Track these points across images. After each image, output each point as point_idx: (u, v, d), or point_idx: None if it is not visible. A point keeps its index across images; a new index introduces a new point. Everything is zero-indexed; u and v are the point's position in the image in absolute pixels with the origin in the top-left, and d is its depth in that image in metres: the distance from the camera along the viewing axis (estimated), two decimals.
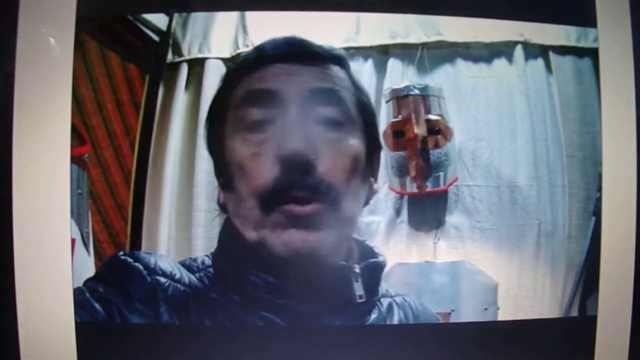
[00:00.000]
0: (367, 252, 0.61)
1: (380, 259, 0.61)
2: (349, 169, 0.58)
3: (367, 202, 0.62)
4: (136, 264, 0.58)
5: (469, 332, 0.65)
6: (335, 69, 0.60)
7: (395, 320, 0.62)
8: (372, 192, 0.62)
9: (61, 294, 0.58)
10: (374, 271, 0.61)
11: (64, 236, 0.59)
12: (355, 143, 0.59)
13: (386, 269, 0.64)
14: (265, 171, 0.57)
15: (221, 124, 0.60)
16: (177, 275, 0.58)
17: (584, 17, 0.66)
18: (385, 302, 0.62)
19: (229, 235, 0.60)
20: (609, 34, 0.65)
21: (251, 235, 0.58)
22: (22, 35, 0.58)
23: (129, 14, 0.65)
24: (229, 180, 0.59)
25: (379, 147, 0.64)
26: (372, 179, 0.62)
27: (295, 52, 0.60)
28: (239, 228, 0.59)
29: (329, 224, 0.58)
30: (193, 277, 0.59)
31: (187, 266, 0.60)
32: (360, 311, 0.60)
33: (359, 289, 0.59)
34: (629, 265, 0.63)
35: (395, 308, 0.62)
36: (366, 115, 0.61)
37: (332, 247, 0.58)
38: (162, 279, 0.57)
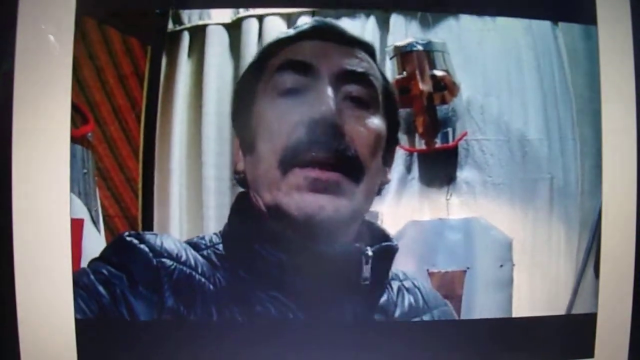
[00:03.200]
0: (380, 235, 0.61)
1: (393, 242, 0.61)
2: (373, 145, 0.59)
3: (379, 191, 0.62)
4: (142, 245, 0.57)
5: (469, 329, 0.65)
6: (366, 56, 0.61)
7: (405, 304, 0.61)
8: (385, 181, 0.62)
9: (61, 289, 0.58)
10: (386, 255, 0.60)
11: (64, 231, 0.59)
12: (379, 124, 0.60)
13: (399, 228, 0.64)
14: (290, 131, 0.57)
15: (251, 91, 0.60)
16: (183, 258, 0.57)
17: (584, 13, 0.65)
18: (395, 285, 0.62)
19: (241, 208, 0.60)
20: (609, 31, 0.64)
21: (266, 198, 0.57)
22: (21, 31, 0.58)
23: (127, 11, 0.65)
24: (251, 143, 0.59)
25: (397, 141, 0.64)
26: (387, 168, 0.62)
27: (331, 33, 0.61)
28: (254, 196, 0.59)
29: (346, 194, 0.57)
30: (199, 257, 0.58)
31: (194, 244, 0.59)
32: (370, 293, 0.59)
33: (366, 271, 0.58)
34: (629, 263, 0.63)
35: (405, 292, 0.62)
36: (390, 105, 0.62)
37: (346, 221, 0.58)
38: (168, 262, 0.56)
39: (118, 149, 0.66)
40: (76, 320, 0.58)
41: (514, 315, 0.66)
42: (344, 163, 0.57)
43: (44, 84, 0.59)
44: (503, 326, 0.65)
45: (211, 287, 0.57)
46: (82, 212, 0.64)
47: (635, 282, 0.63)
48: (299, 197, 0.56)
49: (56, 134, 0.59)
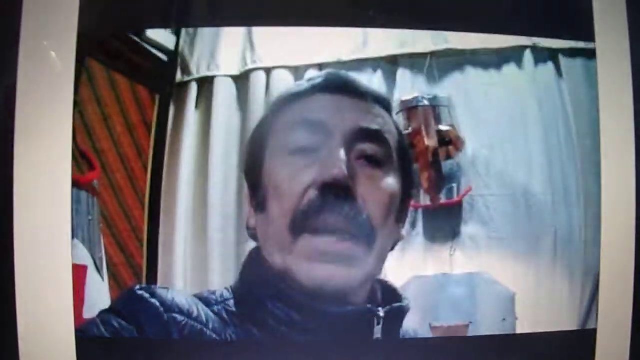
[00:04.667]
0: (391, 295, 0.61)
1: (405, 302, 0.61)
2: (386, 206, 0.58)
3: (392, 248, 0.62)
4: (153, 300, 0.57)
5: (467, 346, 0.65)
6: (381, 110, 0.61)
7: None
8: (399, 238, 0.62)
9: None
10: (397, 315, 0.60)
11: (65, 251, 0.59)
12: (393, 183, 0.59)
13: (403, 283, 0.64)
14: (301, 192, 0.57)
15: (263, 147, 0.60)
16: (195, 313, 0.57)
17: (583, 31, 0.66)
18: None
19: (254, 265, 0.60)
20: (607, 47, 0.65)
21: (276, 260, 0.57)
22: (23, 48, 0.58)
23: (131, 30, 0.65)
24: (262, 202, 0.59)
25: (411, 196, 0.64)
26: (401, 225, 0.62)
27: (345, 87, 0.61)
28: (266, 255, 0.58)
29: (358, 262, 0.57)
30: (210, 312, 0.58)
31: (205, 299, 0.59)
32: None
33: (378, 332, 0.58)
34: (629, 278, 0.63)
35: None
36: (405, 161, 0.62)
37: (357, 286, 0.58)
38: (179, 317, 0.57)
39: (124, 197, 0.66)
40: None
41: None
42: (356, 229, 0.57)
43: (46, 99, 0.59)
44: (502, 343, 0.65)
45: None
46: (86, 258, 0.64)
47: (635, 297, 0.63)
48: (309, 267, 0.56)
49: (58, 148, 0.59)
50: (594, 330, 0.63)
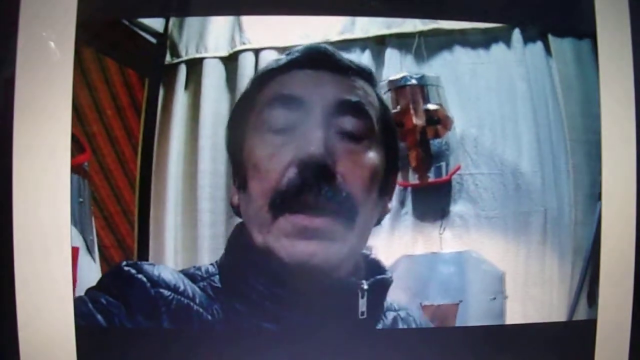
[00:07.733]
0: (374, 267, 0.61)
1: (388, 274, 0.61)
2: (367, 182, 0.58)
3: (379, 222, 0.62)
4: (139, 275, 0.57)
5: (467, 337, 0.65)
6: (363, 83, 0.60)
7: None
8: (385, 212, 0.62)
9: (62, 300, 0.59)
10: (381, 287, 0.60)
11: (65, 238, 0.59)
12: (375, 157, 0.59)
13: (392, 262, 0.64)
14: (280, 172, 0.56)
15: (243, 124, 0.60)
16: (181, 288, 0.57)
17: (583, 24, 0.66)
18: (390, 315, 0.62)
19: (238, 241, 0.60)
20: (608, 42, 0.65)
21: (258, 238, 0.57)
22: (22, 39, 0.59)
23: (129, 18, 0.65)
24: (243, 180, 0.59)
25: (397, 169, 0.64)
26: (387, 198, 0.62)
27: (325, 60, 0.59)
28: (249, 232, 0.59)
29: (339, 238, 0.57)
30: (196, 288, 0.58)
31: (190, 275, 0.59)
32: (365, 325, 0.60)
33: (362, 305, 0.58)
34: (629, 269, 0.63)
35: (400, 322, 0.62)
36: (388, 134, 0.61)
37: (340, 262, 0.58)
38: (166, 292, 0.57)
39: (114, 180, 0.67)
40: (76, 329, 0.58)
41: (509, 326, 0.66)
42: (335, 206, 0.56)
43: (45, 89, 0.59)
44: (502, 334, 0.66)
45: (209, 317, 0.58)
46: (78, 241, 0.64)
47: (635, 289, 0.63)
48: (289, 244, 0.56)
49: (58, 138, 0.59)
50: (594, 321, 0.63)
